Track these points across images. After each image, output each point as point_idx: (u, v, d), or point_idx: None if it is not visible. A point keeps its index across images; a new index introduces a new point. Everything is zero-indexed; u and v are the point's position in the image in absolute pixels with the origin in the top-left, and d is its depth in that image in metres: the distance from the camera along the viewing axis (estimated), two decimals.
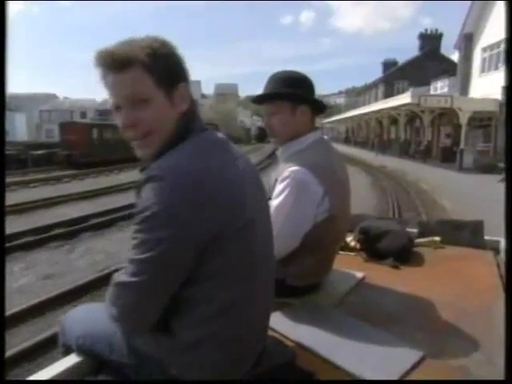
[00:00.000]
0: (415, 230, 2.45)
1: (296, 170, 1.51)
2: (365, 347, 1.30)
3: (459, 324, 1.47)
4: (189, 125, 1.03)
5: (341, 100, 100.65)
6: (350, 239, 2.25)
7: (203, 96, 59.99)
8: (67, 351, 1.24)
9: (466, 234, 2.35)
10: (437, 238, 2.36)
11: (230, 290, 0.99)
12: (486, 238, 2.34)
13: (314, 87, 1.65)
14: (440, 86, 24.85)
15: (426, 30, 37.71)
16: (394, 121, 28.60)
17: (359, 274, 1.90)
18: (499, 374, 1.14)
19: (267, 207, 1.18)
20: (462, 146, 18.01)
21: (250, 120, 71.44)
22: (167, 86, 1.00)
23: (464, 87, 20.97)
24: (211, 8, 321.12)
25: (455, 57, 24.96)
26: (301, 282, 1.62)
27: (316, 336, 1.36)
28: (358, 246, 2.21)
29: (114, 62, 0.96)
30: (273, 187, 1.58)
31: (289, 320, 1.47)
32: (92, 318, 1.23)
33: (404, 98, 19.99)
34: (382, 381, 1.15)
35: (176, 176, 0.91)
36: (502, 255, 2.11)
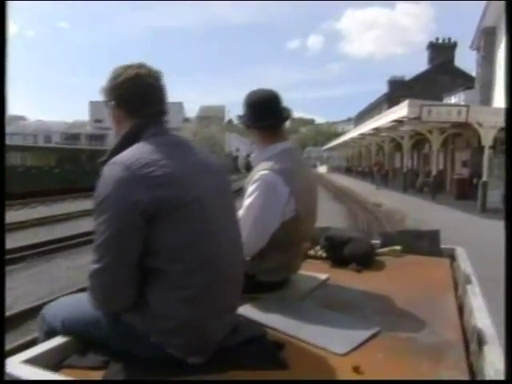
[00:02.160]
0: (378, 241, 2.69)
1: (265, 173, 1.79)
2: (327, 326, 1.56)
3: (411, 308, 1.76)
4: (138, 133, 1.35)
5: (350, 127, 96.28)
6: (317, 249, 2.51)
7: (186, 120, 56.11)
8: (52, 335, 1.38)
9: (424, 243, 2.63)
10: (397, 247, 2.62)
11: (186, 258, 1.22)
12: (443, 246, 2.64)
13: (278, 102, 1.95)
14: (454, 102, 19.80)
15: (437, 38, 33.00)
16: (399, 146, 23.60)
17: (324, 275, 2.15)
18: (442, 341, 1.48)
19: (227, 196, 1.42)
20: (484, 177, 12.98)
21: (246, 147, 67.08)
22: (122, 107, 1.40)
23: (485, 98, 16.10)
24: (215, 32, 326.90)
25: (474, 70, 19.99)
26: (271, 277, 1.85)
27: (284, 319, 1.60)
28: (323, 254, 2.47)
29: (103, 94, 1.43)
30: (245, 189, 1.83)
31: (258, 309, 1.69)
32: (76, 303, 1.41)
33: (399, 111, 14.94)
34: (381, 381, 1.33)
35: (118, 164, 1.20)
36: (458, 261, 2.38)
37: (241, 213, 1.77)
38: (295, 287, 1.96)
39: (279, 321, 1.60)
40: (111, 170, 1.21)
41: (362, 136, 28.85)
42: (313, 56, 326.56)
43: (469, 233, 9.35)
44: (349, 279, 2.15)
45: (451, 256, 2.55)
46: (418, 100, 14.81)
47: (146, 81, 1.38)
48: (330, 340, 1.46)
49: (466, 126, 14.23)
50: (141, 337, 1.25)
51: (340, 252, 2.38)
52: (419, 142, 22.42)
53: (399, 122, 16.99)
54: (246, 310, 1.66)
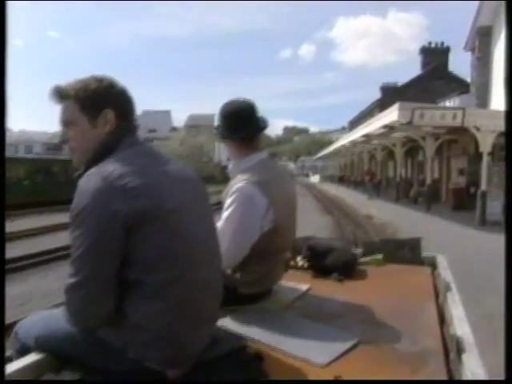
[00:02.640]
0: (360, 250, 2.73)
1: (242, 185, 1.80)
2: (308, 337, 1.58)
3: (392, 318, 1.79)
4: (116, 141, 1.35)
5: (344, 136, 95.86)
6: (299, 259, 2.52)
7: (174, 129, 55.19)
8: (25, 352, 1.37)
9: (405, 251, 2.67)
10: (379, 256, 2.65)
11: (164, 269, 1.22)
12: (424, 254, 2.67)
13: (254, 113, 1.96)
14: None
15: (430, 43, 32.32)
16: (391, 154, 22.71)
17: (306, 286, 2.17)
18: (422, 350, 1.50)
19: (205, 206, 1.44)
20: (483, 186, 11.91)
21: None
22: (90, 112, 1.35)
23: (482, 102, 15.24)
24: (205, 41, 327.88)
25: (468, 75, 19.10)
26: (252, 289, 1.85)
27: (264, 331, 1.62)
28: (305, 264, 2.48)
29: (56, 96, 1.37)
30: (224, 202, 1.84)
31: (239, 321, 1.71)
32: (51, 318, 1.40)
33: (389, 115, 13.95)
34: (380, 381, 1.39)
35: (96, 177, 1.20)
36: (439, 270, 2.42)
37: (219, 225, 1.76)
38: (276, 298, 1.97)
39: (259, 332, 1.61)
40: (88, 182, 1.21)
41: (353, 144, 27.88)
42: (306, 65, 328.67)
43: (469, 249, 8.37)
44: (330, 289, 2.17)
45: (432, 264, 2.59)
46: (410, 103, 13.82)
47: (124, 90, 1.41)
48: (311, 351, 1.48)
49: (462, 131, 13.28)
50: (118, 351, 1.25)
51: (322, 262, 2.40)
52: (413, 149, 21.58)
53: (390, 128, 15.99)
54: (226, 322, 1.67)
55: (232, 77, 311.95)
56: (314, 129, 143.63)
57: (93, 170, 1.24)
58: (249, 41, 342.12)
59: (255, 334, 1.59)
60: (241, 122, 1.93)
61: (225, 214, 1.80)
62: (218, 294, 1.40)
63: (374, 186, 23.81)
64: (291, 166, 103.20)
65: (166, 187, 1.28)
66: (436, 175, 19.53)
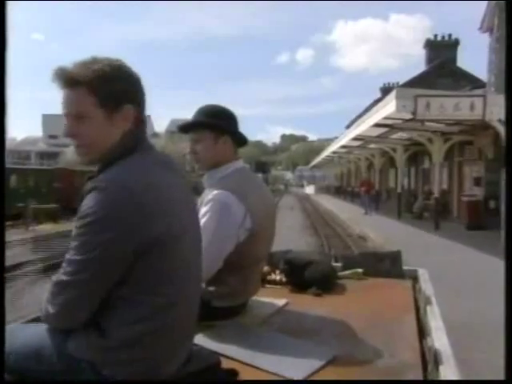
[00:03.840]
0: (339, 264, 2.78)
1: (219, 193, 1.81)
2: (283, 352, 1.62)
3: (370, 332, 1.84)
4: (134, 143, 1.30)
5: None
6: (276, 273, 2.54)
7: (155, 135, 52.54)
8: None
9: (385, 264, 2.72)
10: (359, 270, 2.69)
11: (159, 293, 1.25)
12: (405, 268, 2.74)
13: (236, 121, 2.02)
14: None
15: (436, 35, 29.54)
16: (392, 160, 20.12)
17: (283, 301, 2.20)
18: (399, 364, 1.56)
19: (197, 226, 1.48)
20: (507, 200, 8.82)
21: None
22: (109, 107, 1.26)
23: (502, 93, 12.05)
24: (197, 46, 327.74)
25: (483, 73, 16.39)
26: (227, 302, 1.86)
27: (239, 347, 1.65)
28: (283, 279, 2.50)
29: (65, 79, 1.24)
30: (198, 211, 1.82)
31: (213, 337, 1.72)
32: (16, 336, 1.37)
33: (386, 106, 11.15)
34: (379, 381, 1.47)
35: (117, 187, 1.19)
36: (420, 283, 2.49)
37: None
38: (252, 313, 1.99)
39: (234, 349, 1.63)
40: (108, 191, 1.17)
41: (349, 150, 25.17)
42: (303, 70, 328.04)
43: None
44: (308, 304, 2.20)
45: (413, 277, 2.65)
46: (411, 89, 11.05)
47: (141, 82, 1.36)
48: (286, 366, 1.52)
49: (479, 128, 10.55)
50: (88, 368, 1.25)
51: (300, 276, 2.42)
52: (417, 154, 19.20)
53: (387, 126, 13.25)
54: (200, 338, 1.68)
55: (225, 82, 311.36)
56: (312, 137, 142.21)
57: (115, 175, 1.21)
58: (243, 45, 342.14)
59: (229, 351, 1.62)
60: (236, 124, 1.99)
61: (200, 223, 1.75)
62: (196, 310, 1.42)
63: (372, 198, 21.02)
64: (288, 175, 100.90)
65: (178, 206, 1.30)
66: (445, 185, 16.85)
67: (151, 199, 1.20)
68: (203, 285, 1.76)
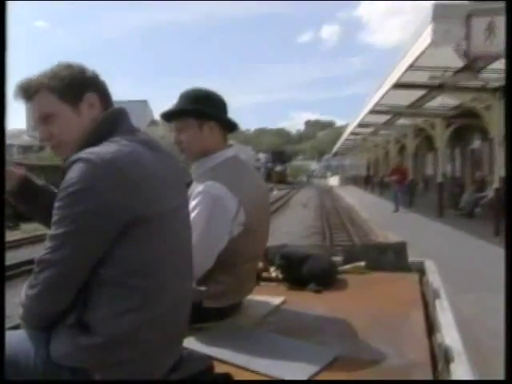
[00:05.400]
0: (340, 258, 2.75)
1: (209, 184, 1.78)
2: (281, 354, 1.61)
3: (375, 329, 1.84)
4: (110, 127, 1.35)
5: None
6: (272, 270, 2.52)
7: (153, 123, 49.38)
8: None
9: (390, 257, 2.68)
10: (361, 264, 2.66)
11: (147, 276, 1.24)
12: (411, 259, 2.71)
13: (224, 105, 1.97)
14: None
15: None
16: (430, 141, 16.89)
17: (280, 299, 2.18)
18: (407, 363, 1.55)
19: (187, 208, 1.49)
20: None
21: (244, 156, 59.88)
22: (70, 98, 1.36)
23: None
24: (214, 28, 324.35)
25: None
26: (220, 303, 1.83)
27: (234, 350, 1.63)
28: (279, 275, 2.48)
29: (24, 93, 1.37)
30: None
31: (205, 340, 1.71)
32: None
33: (419, 41, 7.05)
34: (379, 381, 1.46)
35: (100, 159, 1.21)
36: (428, 275, 2.47)
37: None
38: (246, 313, 1.97)
39: (228, 352, 1.62)
40: (91, 163, 1.19)
41: (374, 128, 21.10)
42: (329, 49, 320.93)
43: None
44: (307, 301, 2.19)
45: (420, 270, 2.62)
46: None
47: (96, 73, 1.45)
48: (284, 369, 1.51)
49: None
50: (78, 370, 1.23)
51: (298, 271, 2.41)
52: (463, 130, 15.42)
53: (414, 88, 9.28)
54: (191, 342, 1.67)
55: (243, 66, 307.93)
56: (340, 122, 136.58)
57: (96, 152, 1.23)
58: (261, 25, 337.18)
59: (223, 354, 1.61)
60: (225, 106, 1.95)
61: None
62: (188, 310, 1.42)
63: (405, 190, 16.99)
64: (313, 166, 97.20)
65: (165, 185, 1.31)
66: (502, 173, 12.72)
67: (136, 174, 1.23)
68: (194, 284, 1.72)
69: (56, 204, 1.21)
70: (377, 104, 13.90)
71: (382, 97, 12.64)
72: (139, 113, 51.52)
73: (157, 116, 58.17)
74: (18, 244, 12.35)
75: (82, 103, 1.36)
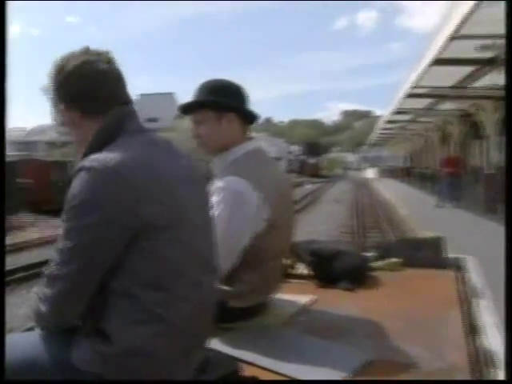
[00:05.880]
0: (372, 254, 2.69)
1: (230, 180, 1.75)
2: (310, 356, 1.58)
3: (410, 331, 1.78)
4: (114, 128, 1.31)
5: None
6: (300, 267, 2.48)
7: (180, 115, 48.49)
8: None
9: (426, 253, 2.61)
10: (395, 260, 2.60)
11: (161, 286, 1.22)
12: (450, 256, 2.63)
13: (243, 96, 1.92)
14: None
15: None
16: (476, 128, 15.55)
17: (310, 297, 2.14)
18: (445, 368, 1.50)
19: (206, 210, 1.44)
20: None
21: (277, 149, 58.80)
22: (69, 101, 1.35)
23: None
24: (242, 17, 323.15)
25: None
26: (245, 302, 1.80)
27: (261, 352, 1.60)
28: (308, 272, 2.43)
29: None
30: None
31: (231, 341, 1.68)
32: (12, 346, 1.35)
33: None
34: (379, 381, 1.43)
35: (103, 166, 1.19)
36: (467, 273, 2.39)
37: None
38: (273, 313, 1.94)
39: (255, 353, 1.60)
40: (95, 171, 1.19)
41: (413, 116, 19.58)
42: (366, 36, 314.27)
43: None
44: (338, 300, 2.15)
45: (459, 267, 2.55)
46: None
47: (101, 67, 1.34)
48: (314, 373, 1.48)
49: None
50: (88, 375, 1.24)
51: (327, 268, 2.36)
52: None
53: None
54: (217, 343, 1.65)
55: (275, 56, 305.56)
56: (379, 111, 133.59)
57: (98, 159, 1.21)
58: (293, 12, 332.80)
59: (250, 356, 1.58)
60: (244, 98, 1.90)
61: None
62: (212, 312, 1.40)
63: (454, 183, 15.38)
64: (350, 158, 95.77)
65: (177, 186, 1.28)
66: None
67: (141, 179, 1.21)
68: (218, 284, 1.71)
69: (62, 217, 1.21)
70: (415, 85, 12.47)
71: (422, 76, 11.23)
72: (166, 105, 51.20)
73: None
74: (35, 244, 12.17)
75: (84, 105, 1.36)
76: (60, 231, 1.21)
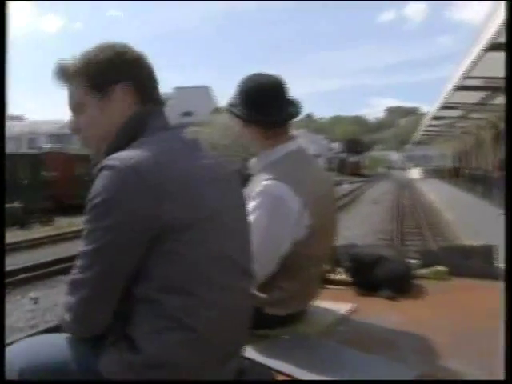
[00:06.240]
0: (416, 261, 2.62)
1: (270, 184, 1.70)
2: (353, 369, 1.52)
3: (459, 345, 1.71)
4: (139, 123, 1.29)
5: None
6: (340, 271, 2.43)
7: (217, 110, 48.31)
8: None
9: (475, 261, 2.51)
10: (441, 268, 2.51)
11: (189, 291, 1.18)
12: (501, 265, 2.52)
13: (279, 96, 1.83)
14: None
15: None
16: None
17: (350, 305, 2.08)
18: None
19: (242, 214, 1.39)
20: None
21: (317, 147, 57.87)
22: (100, 89, 1.29)
23: None
24: (284, 10, 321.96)
25: None
26: (282, 310, 1.77)
27: (298, 362, 1.55)
28: (348, 278, 2.38)
29: (59, 77, 1.33)
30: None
31: (266, 350, 1.65)
32: (39, 348, 1.37)
33: None
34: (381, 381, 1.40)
35: (124, 165, 1.16)
36: None
37: None
38: (312, 321, 1.89)
39: (292, 364, 1.56)
40: (115, 171, 1.16)
41: (463, 112, 18.28)
42: (414, 29, 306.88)
43: None
44: (380, 309, 2.09)
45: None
46: None
47: (140, 56, 1.35)
48: None
49: None
50: None
51: (368, 275, 2.29)
52: None
53: None
54: (252, 352, 1.61)
55: (317, 50, 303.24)
56: (426, 108, 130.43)
57: (120, 158, 1.19)
58: (338, 4, 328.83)
59: (286, 366, 1.54)
60: (269, 102, 1.81)
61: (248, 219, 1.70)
62: (247, 320, 1.36)
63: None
64: (394, 156, 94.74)
65: (204, 186, 1.25)
66: None
67: (161, 177, 1.17)
68: (255, 290, 1.68)
69: (84, 217, 1.19)
70: (467, 76, 11.18)
71: (474, 65, 9.95)
72: (201, 99, 50.81)
73: (221, 103, 57.75)
74: (50, 241, 12.11)
75: (111, 94, 1.29)
76: (83, 231, 1.19)
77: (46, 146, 31.21)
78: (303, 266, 1.75)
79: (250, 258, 1.36)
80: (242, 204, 1.40)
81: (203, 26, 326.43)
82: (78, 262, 1.18)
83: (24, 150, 30.99)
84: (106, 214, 1.14)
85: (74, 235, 11.71)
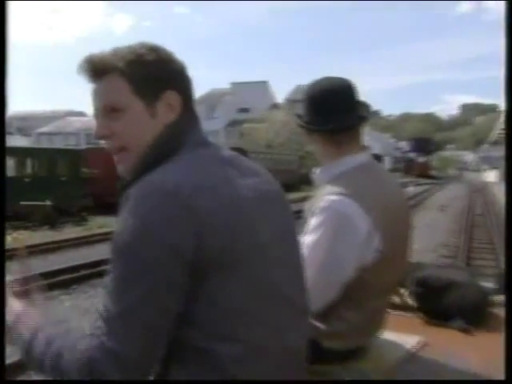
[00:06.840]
0: (492, 285, 2.44)
1: (336, 199, 1.57)
2: None
3: None
4: (179, 137, 1.16)
5: None
6: (404, 293, 2.28)
7: (275, 106, 47.30)
8: None
9: None
10: None
11: (234, 337, 1.07)
12: None
13: (343, 103, 1.69)
14: None
15: None
16: None
17: (417, 338, 1.93)
18: None
19: (293, 241, 1.27)
20: None
21: (381, 145, 55.99)
22: (148, 94, 1.16)
23: None
24: (356, 5, 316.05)
25: None
26: (341, 344, 1.65)
27: None
28: (414, 303, 2.24)
29: (92, 69, 1.16)
30: (306, 220, 1.65)
31: None
32: None
33: None
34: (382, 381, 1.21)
35: (160, 192, 1.02)
36: None
37: None
38: (375, 357, 1.73)
39: None
40: (143, 197, 1.03)
41: None
42: (494, 20, 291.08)
43: None
44: (452, 344, 1.91)
45: None
46: None
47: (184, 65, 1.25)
48: None
49: None
50: None
51: (438, 302, 2.12)
52: None
53: None
54: None
55: (387, 43, 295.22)
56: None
57: (148, 179, 1.06)
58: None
59: None
60: (333, 109, 1.67)
61: (308, 238, 1.57)
62: (302, 363, 1.24)
63: None
64: (469, 157, 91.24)
65: (249, 214, 1.10)
66: None
67: (205, 204, 1.03)
68: (311, 320, 1.56)
69: (111, 251, 1.03)
70: None
71: None
72: (259, 95, 50.10)
73: (279, 99, 56.68)
74: (75, 244, 11.91)
75: (159, 102, 1.16)
76: (107, 277, 1.02)
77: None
78: (369, 296, 1.61)
79: (304, 292, 1.24)
80: (291, 228, 1.26)
81: (271, 20, 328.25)
82: (109, 324, 0.99)
83: (83, 145, 31.89)
84: (134, 256, 0.99)
85: (103, 237, 11.51)
